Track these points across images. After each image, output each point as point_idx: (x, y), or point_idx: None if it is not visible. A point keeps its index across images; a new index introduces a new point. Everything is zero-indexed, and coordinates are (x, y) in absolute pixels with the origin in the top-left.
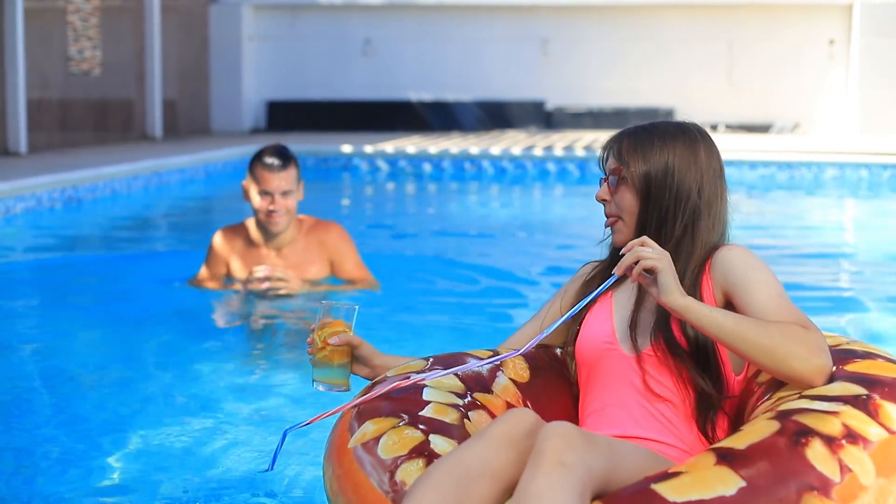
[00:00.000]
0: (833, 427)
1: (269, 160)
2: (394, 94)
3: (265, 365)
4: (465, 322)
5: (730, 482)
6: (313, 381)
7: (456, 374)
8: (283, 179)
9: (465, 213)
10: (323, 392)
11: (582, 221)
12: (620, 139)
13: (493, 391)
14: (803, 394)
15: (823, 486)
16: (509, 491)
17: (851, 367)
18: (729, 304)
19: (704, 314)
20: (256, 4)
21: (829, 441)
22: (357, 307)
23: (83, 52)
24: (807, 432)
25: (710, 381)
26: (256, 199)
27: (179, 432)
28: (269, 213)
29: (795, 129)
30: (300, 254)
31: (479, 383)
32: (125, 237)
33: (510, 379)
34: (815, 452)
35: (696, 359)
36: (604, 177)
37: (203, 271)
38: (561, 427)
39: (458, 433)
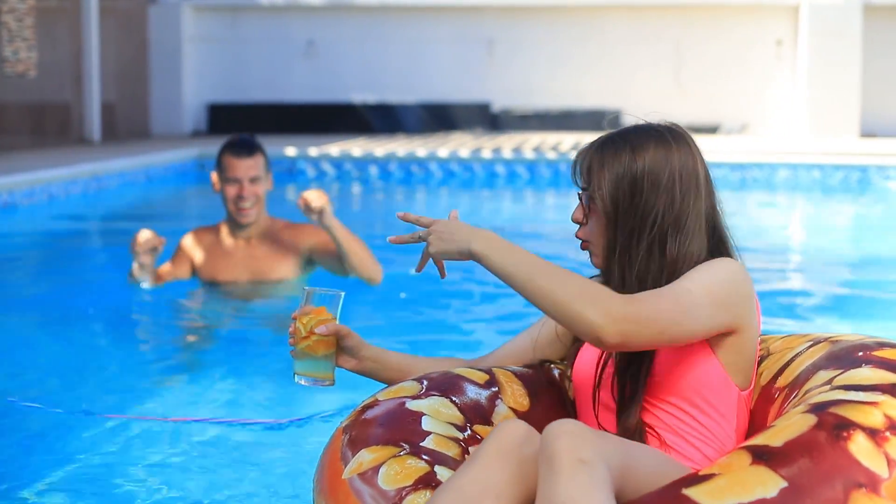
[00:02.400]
0: (874, 419)
1: (236, 148)
2: (337, 97)
3: (213, 370)
4: (415, 329)
5: (770, 483)
6: (294, 374)
7: (454, 403)
8: (250, 166)
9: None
10: (305, 387)
11: (533, 224)
12: (588, 153)
13: (492, 422)
14: (835, 384)
15: (872, 483)
16: None
17: (881, 354)
18: None
19: (497, 264)
20: (196, 5)
21: (873, 434)
22: (342, 294)
23: (18, 54)
24: (847, 425)
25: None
26: (225, 187)
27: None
28: (239, 199)
29: (743, 129)
30: (270, 247)
31: (478, 413)
32: (63, 243)
33: (510, 408)
34: (859, 447)
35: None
36: (579, 193)
37: (164, 265)
38: (567, 424)
39: None
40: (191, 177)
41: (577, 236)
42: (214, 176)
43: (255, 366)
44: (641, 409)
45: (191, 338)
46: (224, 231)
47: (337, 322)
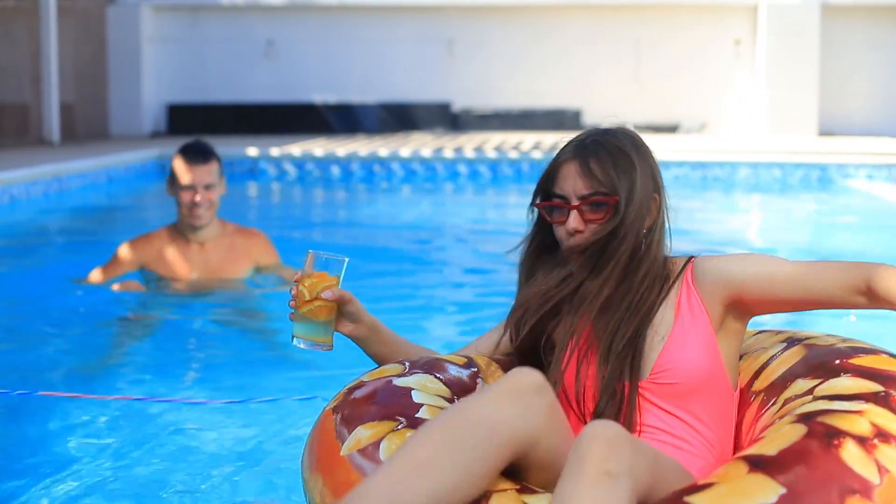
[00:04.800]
0: (862, 427)
1: (191, 155)
2: (297, 97)
3: (166, 355)
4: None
5: (769, 489)
6: (293, 336)
7: (439, 379)
8: (205, 173)
9: (375, 216)
10: (304, 350)
11: (496, 222)
12: (594, 158)
13: None
14: (817, 395)
15: (864, 489)
16: (512, 445)
17: (858, 362)
18: (732, 308)
19: None
20: (156, 5)
21: (862, 441)
22: (347, 260)
23: None
24: (837, 433)
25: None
26: (179, 193)
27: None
28: (193, 205)
29: (702, 128)
30: (224, 250)
31: (462, 389)
32: (27, 245)
33: None
34: (851, 454)
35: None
36: (570, 204)
37: (95, 274)
38: (606, 429)
39: None
40: (152, 177)
41: (575, 244)
42: (169, 180)
43: (204, 351)
44: (634, 412)
45: (141, 326)
46: (175, 235)
47: (340, 287)
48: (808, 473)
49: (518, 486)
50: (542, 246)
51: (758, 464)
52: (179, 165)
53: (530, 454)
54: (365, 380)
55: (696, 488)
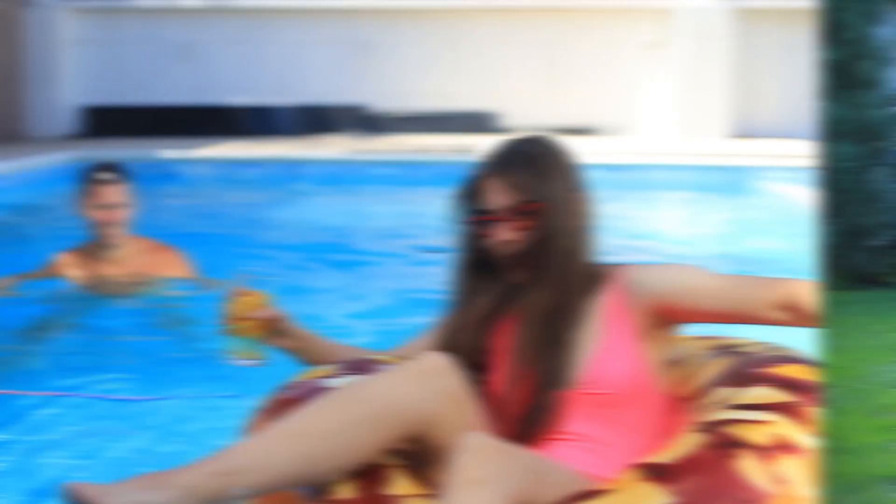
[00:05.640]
0: (763, 437)
1: (102, 175)
2: (213, 99)
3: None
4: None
5: (659, 499)
6: (226, 354)
7: None
8: (115, 192)
9: (292, 217)
10: (242, 367)
11: (413, 223)
12: (513, 169)
13: None
14: (730, 403)
15: (756, 500)
16: (403, 423)
17: (778, 371)
18: (660, 318)
19: None
20: (73, 7)
21: (760, 452)
22: (275, 277)
23: None
24: (736, 443)
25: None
26: (91, 213)
27: None
28: (105, 225)
29: (617, 131)
30: (138, 268)
31: None
32: None
33: None
34: (746, 464)
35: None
36: (491, 214)
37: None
38: (474, 441)
39: None
40: (69, 180)
41: (510, 252)
42: (80, 200)
43: (126, 350)
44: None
45: (63, 324)
46: (89, 255)
47: (268, 304)
48: (700, 482)
49: (405, 465)
50: (475, 261)
51: (653, 472)
52: (89, 186)
53: (427, 436)
54: (296, 381)
55: (587, 494)
